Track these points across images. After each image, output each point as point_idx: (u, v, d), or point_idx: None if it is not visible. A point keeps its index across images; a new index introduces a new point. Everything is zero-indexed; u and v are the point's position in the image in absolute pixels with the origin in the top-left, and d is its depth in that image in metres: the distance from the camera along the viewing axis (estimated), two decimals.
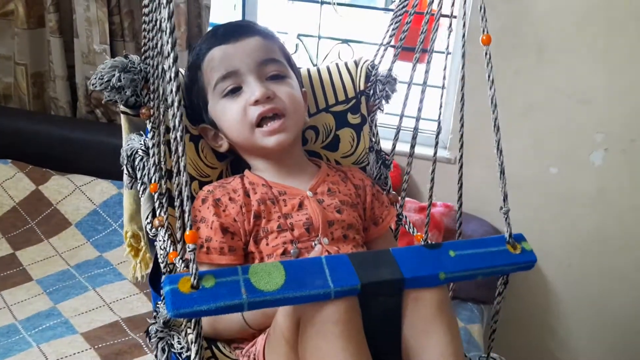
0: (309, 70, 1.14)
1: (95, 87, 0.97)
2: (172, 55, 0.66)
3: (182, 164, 0.66)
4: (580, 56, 1.80)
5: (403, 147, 1.09)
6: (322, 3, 2.10)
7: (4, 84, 2.29)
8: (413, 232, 1.05)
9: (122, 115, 1.05)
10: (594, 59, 1.79)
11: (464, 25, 0.95)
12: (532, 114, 1.88)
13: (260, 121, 0.97)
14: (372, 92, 1.11)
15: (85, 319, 1.57)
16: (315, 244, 0.93)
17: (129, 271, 1.16)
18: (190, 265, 0.66)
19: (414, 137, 1.03)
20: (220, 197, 0.95)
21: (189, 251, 0.66)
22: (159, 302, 0.94)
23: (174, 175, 0.77)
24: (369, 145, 1.13)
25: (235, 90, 0.98)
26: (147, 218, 0.97)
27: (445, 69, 1.01)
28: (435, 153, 0.96)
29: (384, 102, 1.12)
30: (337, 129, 1.11)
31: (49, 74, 2.22)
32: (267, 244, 0.93)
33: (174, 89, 0.65)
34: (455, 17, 1.67)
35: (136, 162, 0.98)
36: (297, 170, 1.02)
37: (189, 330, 0.85)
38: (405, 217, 1.08)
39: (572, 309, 2.07)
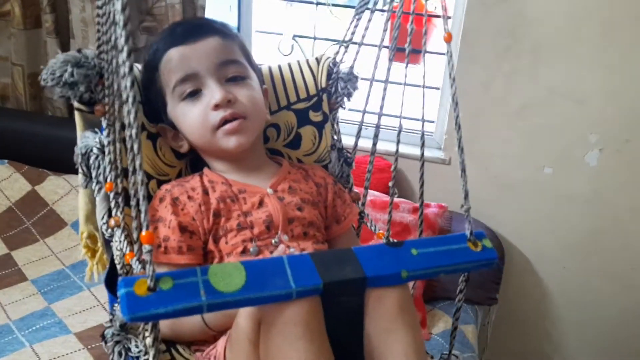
0: (270, 68, 1.13)
1: (47, 82, 0.93)
2: (125, 49, 0.63)
3: (137, 162, 0.63)
4: (574, 56, 1.79)
5: (392, 147, 1.07)
6: (317, 4, 2.09)
7: (1, 85, 2.28)
8: (375, 230, 1.05)
9: (75, 112, 1.02)
10: (589, 60, 1.79)
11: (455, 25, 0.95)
12: (527, 114, 1.87)
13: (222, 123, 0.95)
14: (333, 89, 1.10)
15: (79, 319, 1.57)
16: (275, 241, 0.92)
17: (86, 272, 1.12)
18: (147, 266, 0.64)
19: (398, 134, 1.01)
20: (179, 196, 0.93)
21: (146, 252, 0.64)
22: (115, 305, 0.91)
23: (130, 174, 0.75)
24: (331, 143, 1.12)
25: (195, 93, 0.96)
26: (102, 218, 0.94)
27: (422, 68, 0.99)
28: (422, 154, 0.95)
29: (345, 99, 1.11)
30: (298, 126, 1.10)
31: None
32: (227, 243, 0.91)
33: (128, 85, 0.63)
34: (450, 17, 1.67)
35: (91, 161, 0.95)
36: (257, 169, 1.00)
37: (146, 334, 0.83)
38: (367, 214, 1.07)
39: (566, 311, 2.06)
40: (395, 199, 1.77)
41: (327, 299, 0.74)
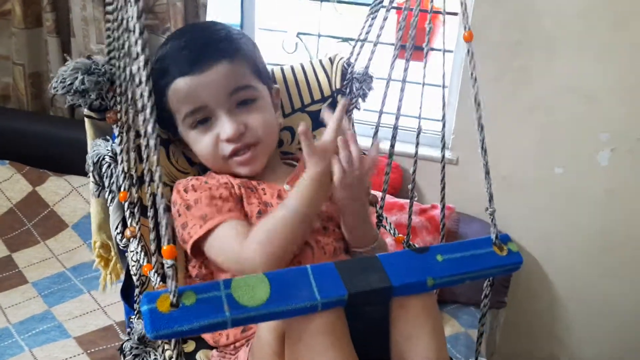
0: (282, 69, 1.11)
1: (57, 90, 0.91)
2: (142, 58, 0.61)
3: (157, 175, 0.61)
4: (586, 53, 1.74)
5: (403, 147, 1.04)
6: (322, 0, 2.04)
7: (3, 84, 2.26)
8: (394, 234, 1.03)
9: (85, 120, 1.00)
10: (601, 56, 1.74)
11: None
12: (537, 111, 1.82)
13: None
14: (348, 90, 1.07)
15: (79, 322, 1.55)
16: None
17: (100, 282, 1.11)
18: (170, 282, 0.62)
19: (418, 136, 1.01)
20: (207, 180, 0.92)
21: (167, 267, 0.62)
22: (132, 317, 0.90)
23: (146, 184, 0.73)
24: None
25: (205, 121, 0.94)
26: (116, 228, 0.92)
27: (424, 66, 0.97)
28: (443, 156, 0.95)
29: (360, 100, 1.09)
30: (313, 129, 1.08)
31: (47, 74, 2.18)
32: None
33: (145, 95, 0.61)
34: (455, 14, 1.64)
35: (103, 169, 0.93)
36: (272, 173, 0.99)
37: (166, 346, 0.81)
38: (386, 217, 1.05)
39: (576, 312, 2.02)
40: (402, 200, 1.74)
41: (352, 308, 0.72)
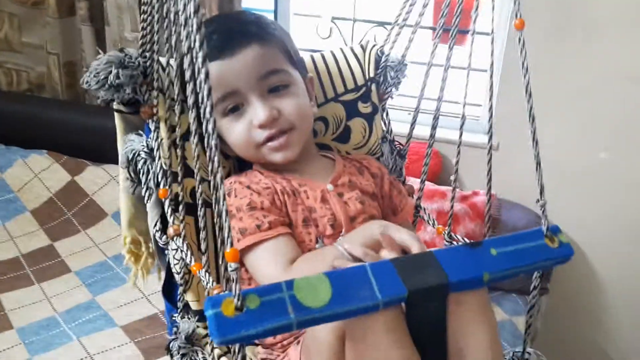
0: (313, 58, 1.08)
1: (90, 85, 0.89)
2: (201, 54, 0.59)
3: (218, 177, 0.59)
4: (632, 33, 1.68)
5: (442, 133, 1.02)
6: None
7: (37, 74, 2.26)
8: (433, 225, 1.01)
9: (115, 114, 0.97)
10: None
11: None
12: (581, 97, 1.78)
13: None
14: (382, 79, 1.05)
15: (124, 311, 1.57)
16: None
17: (129, 277, 1.09)
18: (233, 285, 0.60)
19: (461, 125, 0.96)
20: (250, 185, 0.89)
21: (231, 270, 0.60)
22: (175, 315, 0.88)
23: (197, 184, 0.71)
24: (382, 136, 1.07)
25: (237, 109, 0.91)
26: (155, 225, 0.90)
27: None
28: (490, 147, 0.94)
29: (394, 89, 1.06)
30: (347, 119, 1.06)
31: (81, 63, 2.16)
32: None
33: (205, 94, 0.58)
34: None
35: (139, 166, 0.90)
36: (311, 166, 0.97)
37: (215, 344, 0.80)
38: (424, 208, 1.04)
39: (621, 300, 1.97)
40: (443, 188, 1.72)
41: (410, 305, 0.71)
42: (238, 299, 0.60)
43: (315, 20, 2.11)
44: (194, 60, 0.60)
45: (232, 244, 0.60)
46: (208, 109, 0.59)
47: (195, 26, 0.59)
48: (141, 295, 1.61)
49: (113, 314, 1.55)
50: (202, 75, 0.59)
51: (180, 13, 0.63)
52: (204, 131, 0.60)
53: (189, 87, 0.65)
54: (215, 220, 0.61)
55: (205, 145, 0.60)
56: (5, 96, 2.28)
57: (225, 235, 0.60)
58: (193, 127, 0.67)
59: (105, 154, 1.98)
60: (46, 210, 1.97)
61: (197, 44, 0.59)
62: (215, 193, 0.61)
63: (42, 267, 1.76)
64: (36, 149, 2.11)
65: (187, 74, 0.65)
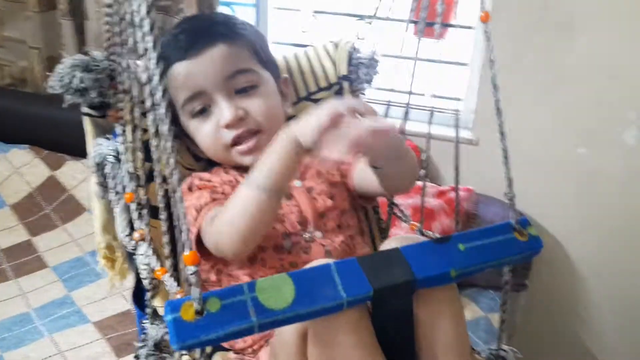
0: (285, 58, 1.07)
1: (55, 89, 0.88)
2: (153, 55, 0.58)
3: (175, 178, 0.58)
4: (612, 27, 1.67)
5: (420, 127, 1.02)
6: None
7: (19, 68, 2.26)
8: (407, 221, 1.01)
9: (84, 118, 0.96)
10: (628, 30, 1.66)
11: None
12: (559, 89, 1.76)
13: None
14: (355, 76, 1.04)
15: (98, 307, 1.58)
16: (307, 237, 0.88)
17: (107, 282, 1.08)
18: (193, 289, 0.59)
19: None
20: (211, 178, 0.89)
21: (190, 274, 0.59)
22: (144, 321, 0.87)
23: (156, 185, 0.70)
24: None
25: (204, 110, 0.90)
26: (124, 230, 0.89)
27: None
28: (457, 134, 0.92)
29: (366, 85, 1.06)
30: None
31: (62, 57, 2.13)
32: None
33: (159, 96, 0.58)
34: None
35: (107, 170, 0.90)
36: None
37: (183, 351, 0.79)
38: (397, 205, 1.03)
39: (601, 295, 1.96)
40: (420, 183, 1.71)
41: (376, 303, 0.71)
42: (198, 303, 0.60)
43: (296, 14, 2.11)
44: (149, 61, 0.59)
45: (190, 247, 0.59)
46: (162, 111, 0.58)
47: (147, 27, 0.58)
48: (116, 291, 1.62)
49: (86, 310, 1.56)
50: (156, 77, 0.58)
51: (135, 14, 0.62)
52: (151, 130, 0.60)
53: (146, 89, 0.64)
54: (160, 216, 0.61)
55: (161, 147, 0.60)
56: None
57: (184, 237, 0.59)
58: (152, 130, 0.66)
59: (86, 149, 1.98)
60: (26, 205, 1.98)
61: (150, 44, 0.58)
62: (173, 195, 0.60)
63: (19, 263, 1.77)
64: (19, 144, 2.13)
65: (144, 76, 0.64)
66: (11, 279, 1.70)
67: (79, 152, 1.97)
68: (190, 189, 0.89)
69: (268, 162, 0.75)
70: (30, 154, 2.10)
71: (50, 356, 1.40)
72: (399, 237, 0.84)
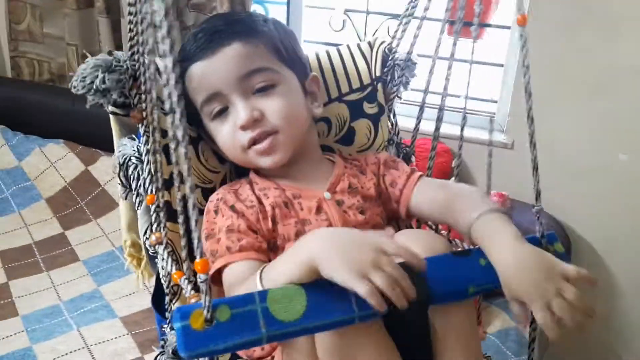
0: (317, 55, 1.04)
1: (77, 90, 0.88)
2: (170, 58, 0.57)
3: (187, 185, 0.57)
4: None
5: (453, 129, 0.98)
6: None
7: (58, 65, 2.33)
8: (437, 231, 0.98)
9: (111, 117, 0.96)
10: None
11: None
12: (600, 94, 1.70)
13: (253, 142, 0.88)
14: (389, 78, 1.01)
15: (126, 302, 1.59)
16: None
17: (133, 280, 1.09)
18: (203, 297, 0.58)
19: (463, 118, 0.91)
20: (234, 204, 0.85)
21: (201, 282, 0.58)
22: (164, 325, 0.86)
23: (176, 189, 0.69)
24: (388, 137, 1.03)
25: (223, 111, 0.88)
26: (145, 233, 0.89)
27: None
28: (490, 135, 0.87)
29: (402, 89, 1.02)
30: (351, 120, 1.01)
31: (99, 54, 2.22)
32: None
33: (174, 99, 0.57)
34: None
35: (130, 171, 0.89)
36: (310, 170, 0.92)
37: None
38: None
39: (636, 303, 1.89)
40: None
41: (390, 318, 0.68)
42: (208, 311, 0.59)
43: (328, 13, 2.09)
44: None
45: (202, 254, 0.58)
46: (177, 115, 0.57)
47: (165, 30, 0.57)
48: (143, 287, 1.59)
49: (114, 304, 1.58)
50: (172, 80, 0.57)
51: (157, 16, 0.61)
52: (170, 134, 0.58)
53: (165, 92, 0.63)
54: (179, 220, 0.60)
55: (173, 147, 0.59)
56: (26, 86, 2.34)
57: (195, 244, 0.58)
58: (171, 133, 0.65)
59: None
60: (60, 199, 2.03)
61: (167, 47, 0.57)
62: (189, 201, 0.59)
63: (52, 255, 1.80)
64: (53, 139, 2.18)
65: (163, 77, 0.63)
66: (44, 272, 1.73)
67: (113, 148, 2.05)
68: (216, 211, 0.86)
69: (283, 268, 0.70)
70: (65, 148, 2.15)
71: (77, 349, 1.41)
72: (406, 231, 0.83)
